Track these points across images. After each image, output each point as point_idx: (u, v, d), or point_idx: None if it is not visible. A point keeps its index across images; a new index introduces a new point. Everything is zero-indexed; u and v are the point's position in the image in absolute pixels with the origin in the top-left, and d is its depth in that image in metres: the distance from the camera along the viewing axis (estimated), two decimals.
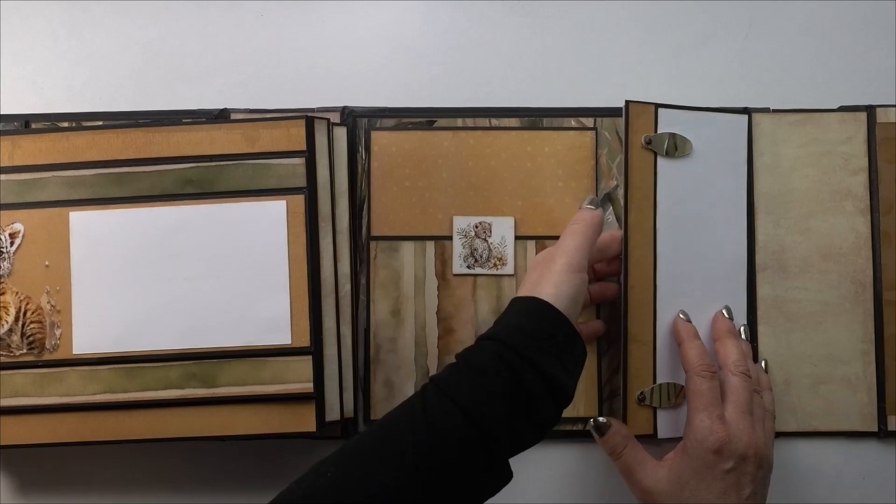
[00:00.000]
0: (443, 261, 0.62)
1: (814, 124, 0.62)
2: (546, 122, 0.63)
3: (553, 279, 0.49)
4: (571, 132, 0.63)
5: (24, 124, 0.62)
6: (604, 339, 0.62)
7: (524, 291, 0.50)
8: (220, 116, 0.63)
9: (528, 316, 0.48)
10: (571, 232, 0.52)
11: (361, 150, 0.63)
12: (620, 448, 0.54)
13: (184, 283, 0.57)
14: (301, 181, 0.57)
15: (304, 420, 0.56)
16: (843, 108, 0.63)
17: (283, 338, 0.56)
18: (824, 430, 0.61)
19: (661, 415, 0.58)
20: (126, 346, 0.57)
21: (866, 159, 0.62)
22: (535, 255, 0.57)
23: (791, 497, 0.62)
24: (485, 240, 0.62)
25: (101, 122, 0.62)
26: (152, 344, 0.56)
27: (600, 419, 0.55)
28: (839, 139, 0.62)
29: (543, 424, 0.46)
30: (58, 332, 0.57)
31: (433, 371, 0.62)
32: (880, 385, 0.61)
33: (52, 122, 0.63)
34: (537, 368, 0.45)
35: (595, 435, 0.55)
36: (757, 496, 0.50)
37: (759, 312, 0.61)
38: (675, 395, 0.58)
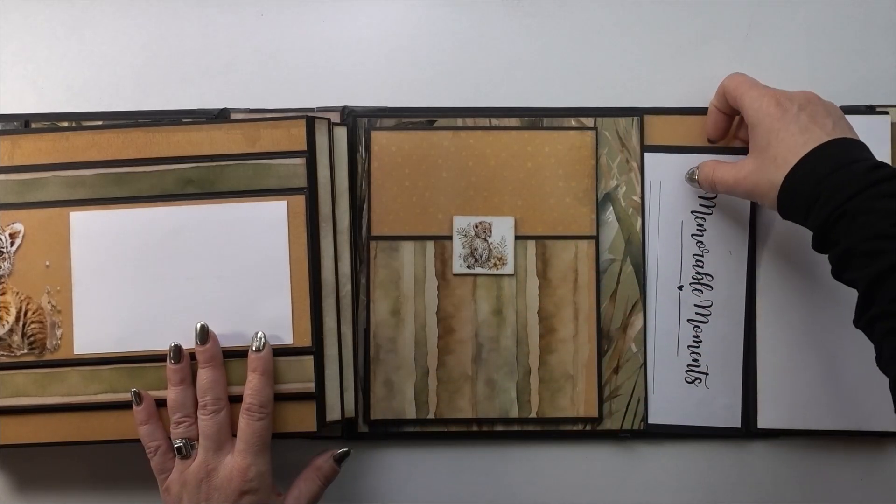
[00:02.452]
0: (443, 260, 0.62)
1: None
2: (546, 121, 0.63)
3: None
4: (571, 132, 0.63)
5: (24, 124, 0.62)
6: (604, 339, 0.62)
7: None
8: (220, 116, 0.63)
9: None
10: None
11: (361, 149, 0.63)
12: (710, 171, 0.58)
13: (185, 283, 0.57)
14: (302, 181, 0.57)
15: (304, 420, 0.56)
16: (842, 109, 0.63)
17: (285, 338, 0.56)
18: None
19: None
20: (127, 346, 0.57)
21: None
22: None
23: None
24: (485, 240, 0.62)
25: (101, 122, 0.62)
26: (153, 344, 0.56)
27: (691, 170, 0.61)
28: None
29: None
30: (58, 332, 0.57)
31: (433, 371, 0.62)
32: None
33: (52, 122, 0.63)
34: None
35: (691, 181, 0.61)
36: (840, 124, 0.52)
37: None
38: None
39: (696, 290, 0.62)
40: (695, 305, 0.62)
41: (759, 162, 0.52)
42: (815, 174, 0.48)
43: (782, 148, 0.50)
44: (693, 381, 0.62)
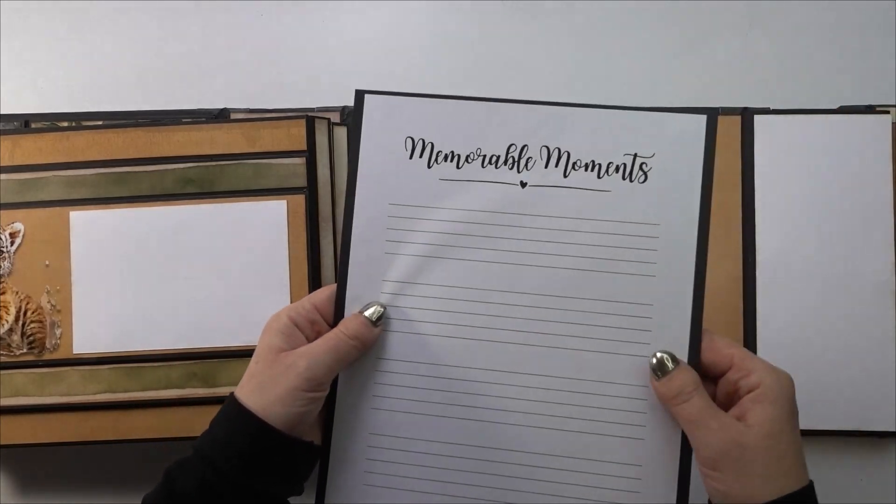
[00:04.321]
0: None
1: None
2: None
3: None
4: None
5: (24, 124, 0.62)
6: None
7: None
8: (220, 116, 0.63)
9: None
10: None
11: None
12: (690, 389, 0.41)
13: (184, 283, 0.57)
14: (302, 181, 0.57)
15: None
16: (843, 109, 0.63)
17: None
18: None
19: None
20: (126, 345, 0.57)
21: None
22: None
23: None
24: None
25: (101, 122, 0.62)
26: (153, 343, 0.56)
27: (662, 355, 0.42)
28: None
29: None
30: (58, 332, 0.57)
31: None
32: None
33: (52, 122, 0.63)
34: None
35: (655, 375, 0.42)
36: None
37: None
38: None
39: None
40: None
41: (771, 445, 0.39)
42: None
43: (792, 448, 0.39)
44: None
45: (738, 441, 0.38)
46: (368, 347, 0.44)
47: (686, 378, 0.41)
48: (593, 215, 0.44)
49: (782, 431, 0.39)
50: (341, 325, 0.43)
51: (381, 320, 0.44)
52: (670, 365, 0.42)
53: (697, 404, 0.40)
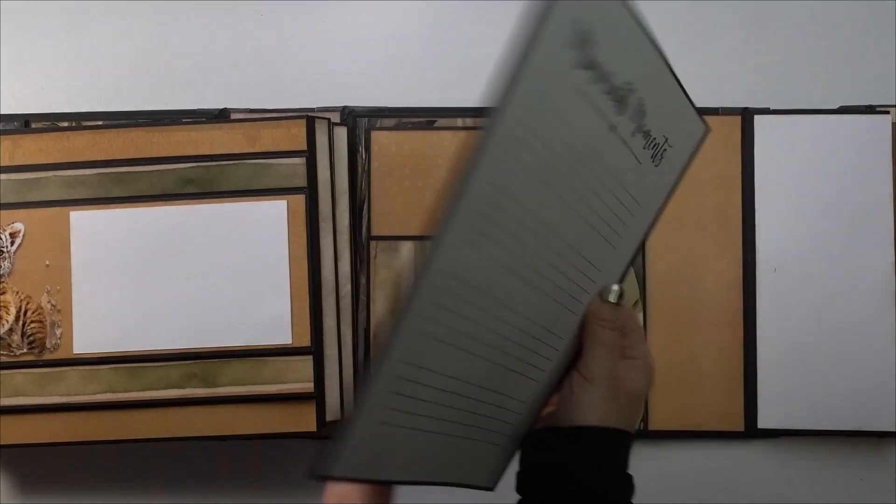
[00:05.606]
0: None
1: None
2: None
3: None
4: None
5: (25, 124, 0.62)
6: None
7: None
8: (220, 116, 0.63)
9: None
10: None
11: (362, 149, 0.63)
12: (622, 326, 0.44)
13: (184, 283, 0.57)
14: (302, 181, 0.57)
15: (304, 420, 0.56)
16: (843, 109, 0.63)
17: (284, 337, 0.56)
18: None
19: None
20: (127, 345, 0.57)
21: None
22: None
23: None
24: None
25: (101, 122, 0.62)
26: (153, 343, 0.56)
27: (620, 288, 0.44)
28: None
29: None
30: (58, 332, 0.57)
31: None
32: None
33: (52, 122, 0.63)
34: None
35: (607, 299, 0.44)
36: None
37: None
38: None
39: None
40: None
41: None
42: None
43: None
44: (662, 157, 0.49)
45: (618, 374, 0.43)
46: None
47: (630, 317, 0.45)
48: (624, 181, 0.42)
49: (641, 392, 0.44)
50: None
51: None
52: (624, 301, 0.44)
53: (614, 336, 0.44)
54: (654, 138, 0.42)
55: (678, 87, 0.43)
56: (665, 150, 0.43)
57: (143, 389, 0.56)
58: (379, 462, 0.39)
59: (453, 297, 0.38)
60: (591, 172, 0.40)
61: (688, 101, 0.44)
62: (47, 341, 0.57)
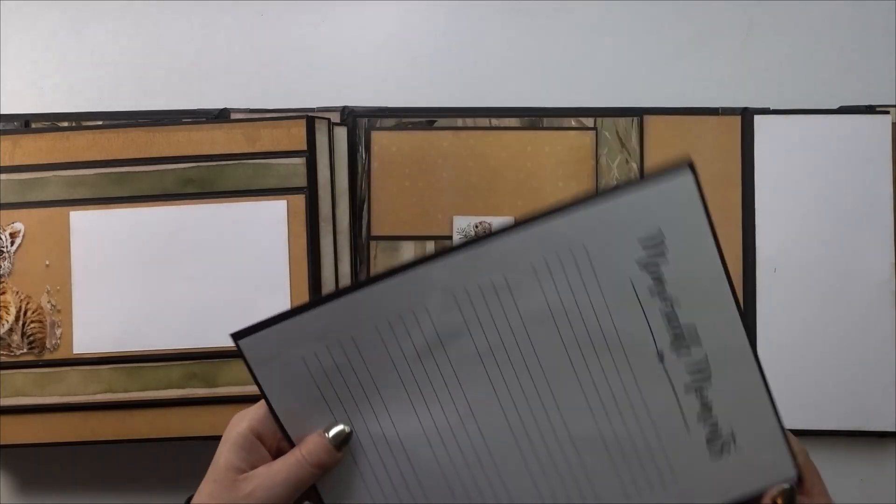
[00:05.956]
0: None
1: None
2: (546, 122, 0.63)
3: None
4: (571, 132, 0.63)
5: (25, 124, 0.62)
6: None
7: None
8: (220, 116, 0.63)
9: None
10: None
11: (361, 149, 0.63)
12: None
13: (184, 283, 0.57)
14: (302, 181, 0.57)
15: None
16: (843, 109, 0.63)
17: None
18: None
19: None
20: (126, 345, 0.57)
21: None
22: None
23: None
24: None
25: (101, 122, 0.62)
26: (153, 343, 0.56)
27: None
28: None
29: None
30: (58, 332, 0.57)
31: None
32: None
33: (52, 122, 0.63)
34: None
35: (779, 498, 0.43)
36: None
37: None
38: None
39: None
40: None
41: None
42: None
43: None
44: (721, 451, 0.43)
45: None
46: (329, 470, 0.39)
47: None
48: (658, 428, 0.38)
49: None
50: (303, 448, 0.38)
51: (345, 444, 0.38)
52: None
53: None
54: (717, 420, 0.38)
55: (765, 390, 0.38)
56: (729, 446, 0.39)
57: (143, 389, 0.56)
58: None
59: None
60: (611, 366, 0.36)
61: (776, 421, 0.39)
62: (47, 341, 0.57)
